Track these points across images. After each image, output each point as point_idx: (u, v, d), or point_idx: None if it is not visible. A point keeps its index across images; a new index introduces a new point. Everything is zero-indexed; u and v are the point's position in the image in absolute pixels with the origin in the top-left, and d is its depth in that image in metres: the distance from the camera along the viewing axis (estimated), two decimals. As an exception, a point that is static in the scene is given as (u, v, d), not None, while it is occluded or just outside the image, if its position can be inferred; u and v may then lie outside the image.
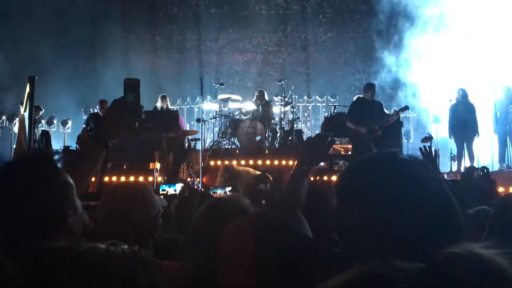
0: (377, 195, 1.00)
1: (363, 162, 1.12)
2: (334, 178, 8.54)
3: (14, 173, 1.39)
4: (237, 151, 10.11)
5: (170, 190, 2.88)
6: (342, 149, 10.19)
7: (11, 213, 1.31)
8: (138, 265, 0.74)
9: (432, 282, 0.49)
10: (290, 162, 9.29)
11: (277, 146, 10.37)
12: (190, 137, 10.30)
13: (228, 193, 3.99)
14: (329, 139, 1.93)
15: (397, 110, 9.45)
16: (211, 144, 10.68)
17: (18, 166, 1.44)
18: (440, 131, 11.09)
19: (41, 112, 10.92)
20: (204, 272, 1.43)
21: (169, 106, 11.28)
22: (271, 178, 5.99)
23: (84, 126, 10.50)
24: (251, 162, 9.46)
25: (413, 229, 0.94)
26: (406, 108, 9.36)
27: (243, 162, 9.46)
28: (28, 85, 7.61)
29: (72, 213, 1.40)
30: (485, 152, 11.23)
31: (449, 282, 0.49)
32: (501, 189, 7.66)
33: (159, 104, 10.89)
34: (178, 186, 2.85)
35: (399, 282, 0.51)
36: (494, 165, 10.81)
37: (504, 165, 9.99)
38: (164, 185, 2.89)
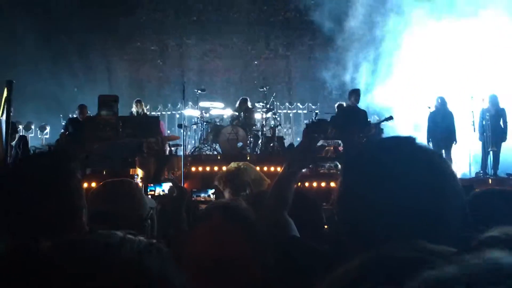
0: (393, 179, 0.95)
1: (377, 145, 1.08)
2: (315, 184, 8.54)
3: (38, 168, 1.38)
4: (219, 157, 10.06)
5: (158, 190, 2.83)
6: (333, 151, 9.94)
7: (34, 206, 1.30)
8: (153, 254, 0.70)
9: (475, 267, 0.44)
10: (272, 168, 9.28)
11: (258, 152, 10.36)
12: (171, 142, 10.21)
13: (211, 196, 3.95)
14: (319, 144, 1.91)
15: (381, 120, 9.56)
16: (193, 150, 10.62)
17: (43, 160, 1.43)
18: (419, 138, 11.22)
19: None
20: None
21: (145, 111, 11.10)
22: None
23: (62, 131, 10.33)
24: (232, 168, 9.42)
25: (430, 216, 0.90)
26: (390, 118, 9.48)
27: (224, 168, 9.40)
28: (5, 89, 7.48)
29: (84, 211, 1.40)
30: (463, 159, 11.41)
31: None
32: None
33: (134, 109, 10.71)
34: (166, 186, 2.80)
35: (435, 266, 0.45)
36: (471, 172, 10.99)
37: (480, 172, 10.16)
38: (152, 185, 2.83)
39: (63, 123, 11.60)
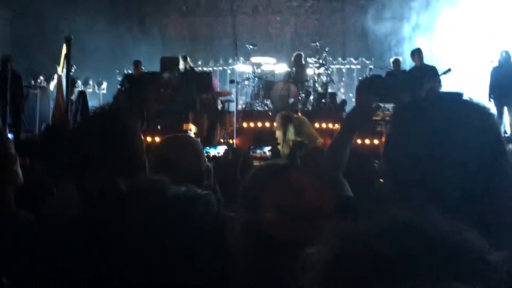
0: (439, 134, 0.94)
1: (425, 99, 1.07)
2: (368, 141, 8.43)
3: (102, 125, 1.50)
4: (270, 113, 10.08)
5: (213, 152, 2.91)
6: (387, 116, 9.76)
7: (99, 162, 1.41)
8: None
9: None
10: (324, 125, 9.23)
11: (310, 108, 10.28)
12: (223, 98, 10.30)
13: (267, 152, 4.00)
14: (374, 104, 1.88)
15: (439, 74, 9.23)
16: (244, 106, 10.67)
17: (106, 118, 1.55)
18: (479, 95, 10.73)
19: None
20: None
21: (191, 66, 10.86)
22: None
23: (119, 87, 10.61)
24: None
25: (478, 173, 0.89)
26: (448, 70, 9.14)
27: (275, 124, 9.44)
28: (64, 45, 7.73)
29: (145, 165, 1.53)
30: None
31: None
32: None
33: (181, 65, 10.59)
34: (221, 148, 2.89)
35: None
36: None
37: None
38: (207, 147, 2.91)
39: (119, 79, 11.89)
